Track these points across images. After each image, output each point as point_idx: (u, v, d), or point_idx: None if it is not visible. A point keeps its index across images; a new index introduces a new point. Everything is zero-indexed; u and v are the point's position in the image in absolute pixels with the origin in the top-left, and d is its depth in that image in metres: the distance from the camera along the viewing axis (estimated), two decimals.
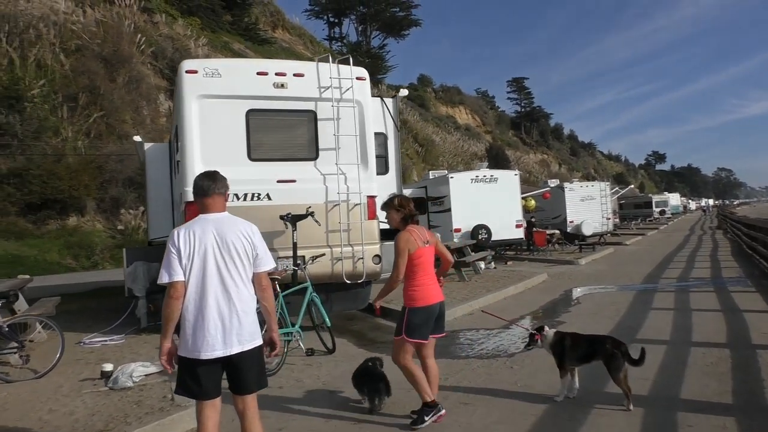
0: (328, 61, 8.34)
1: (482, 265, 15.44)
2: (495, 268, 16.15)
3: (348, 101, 8.33)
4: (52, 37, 27.09)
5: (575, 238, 23.77)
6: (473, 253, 15.07)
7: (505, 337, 7.68)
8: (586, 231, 24.37)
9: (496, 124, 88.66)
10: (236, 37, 47.07)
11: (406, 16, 70.41)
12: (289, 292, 6.92)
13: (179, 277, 3.22)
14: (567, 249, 22.46)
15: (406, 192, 19.69)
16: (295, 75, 8.19)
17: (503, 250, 20.61)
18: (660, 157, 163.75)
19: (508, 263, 18.49)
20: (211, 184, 3.44)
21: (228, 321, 3.21)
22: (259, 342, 3.35)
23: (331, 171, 8.20)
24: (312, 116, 8.28)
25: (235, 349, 3.21)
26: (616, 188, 35.89)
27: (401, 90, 9.88)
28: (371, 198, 8.44)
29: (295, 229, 7.70)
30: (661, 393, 5.05)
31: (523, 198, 20.26)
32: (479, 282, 12.94)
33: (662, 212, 54.08)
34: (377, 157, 9.40)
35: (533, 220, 23.03)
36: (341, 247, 8.08)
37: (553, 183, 26.88)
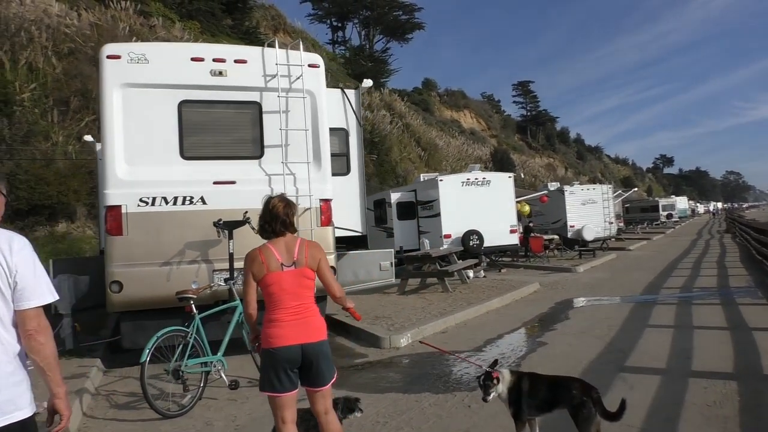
0: (275, 46, 7.34)
1: (470, 273, 14.37)
2: (484, 276, 15.07)
3: (298, 91, 7.32)
4: (45, 40, 26.39)
5: (575, 243, 22.64)
6: (460, 261, 14.00)
7: (475, 363, 6.58)
8: (588, 236, 23.23)
9: (501, 128, 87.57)
10: (236, 41, 46.13)
11: (409, 20, 69.57)
12: (209, 312, 5.90)
13: None
14: (566, 255, 21.35)
15: (394, 196, 18.74)
16: (236, 61, 7.18)
17: (497, 257, 19.50)
18: (668, 161, 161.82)
19: (502, 270, 17.42)
20: None
21: None
22: (24, 414, 2.25)
23: (278, 171, 7.20)
24: (256, 108, 7.27)
25: None
26: (619, 191, 34.57)
27: (365, 81, 8.84)
28: (325, 202, 7.42)
29: (231, 238, 6.68)
30: None
31: (517, 202, 19.16)
32: (464, 293, 11.87)
33: (669, 216, 52.71)
34: (337, 155, 8.43)
35: (531, 224, 21.96)
36: None
37: (553, 186, 25.74)
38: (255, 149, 7.27)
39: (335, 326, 9.07)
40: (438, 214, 17.07)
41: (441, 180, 17.28)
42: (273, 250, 3.42)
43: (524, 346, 7.34)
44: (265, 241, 3.55)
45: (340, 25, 69.89)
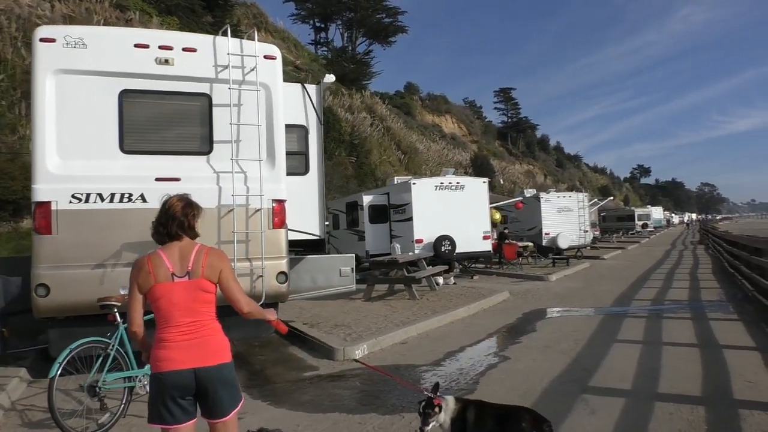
0: (228, 35, 6.85)
1: (440, 280, 13.98)
2: (454, 283, 14.68)
3: (251, 84, 6.84)
4: (14, 31, 25.53)
5: (550, 251, 22.42)
6: (429, 267, 13.60)
7: (430, 378, 6.17)
8: (562, 244, 23.07)
9: (482, 134, 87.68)
10: None
11: (392, 23, 69.29)
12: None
13: None
14: (540, 263, 21.08)
15: (366, 199, 18.28)
16: (184, 49, 6.67)
17: (470, 264, 19.14)
18: (645, 171, 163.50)
19: (474, 278, 17.06)
20: None
21: None
22: None
23: (227, 168, 6.69)
24: (205, 101, 6.77)
25: None
26: (595, 200, 34.54)
27: (327, 76, 8.39)
28: (278, 203, 6.94)
29: None
30: None
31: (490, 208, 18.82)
32: (431, 301, 11.45)
33: (645, 225, 53.04)
34: (295, 153, 7.96)
35: (506, 231, 21.69)
36: (234, 261, 6.55)
37: (529, 192, 25.55)
38: (203, 144, 6.77)
39: (291, 335, 8.60)
40: (410, 218, 16.67)
41: (414, 183, 16.89)
42: (164, 257, 2.95)
43: (485, 361, 6.92)
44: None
45: (323, 26, 69.24)
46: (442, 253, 16.18)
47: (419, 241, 16.43)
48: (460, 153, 66.76)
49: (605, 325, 8.99)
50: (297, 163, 7.94)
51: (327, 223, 23.33)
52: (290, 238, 7.57)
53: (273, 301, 7.00)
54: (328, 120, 39.82)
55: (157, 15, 38.54)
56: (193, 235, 3.06)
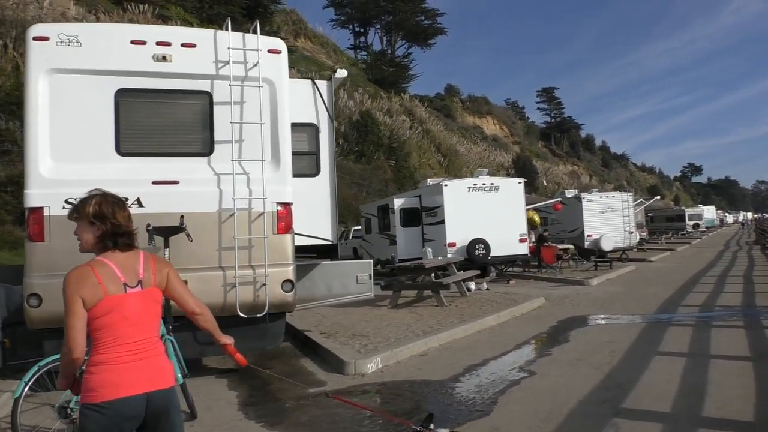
0: (229, 29, 6.49)
1: (472, 285, 13.35)
2: (487, 289, 14.01)
3: (254, 80, 6.43)
4: None
5: (592, 254, 21.42)
6: (460, 272, 12.98)
7: (443, 397, 5.61)
8: (606, 246, 21.99)
9: (524, 135, 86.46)
10: None
11: (431, 25, 69.06)
12: None
13: None
14: (581, 266, 20.13)
15: (398, 202, 17.79)
16: (183, 45, 6.32)
17: (506, 268, 18.39)
18: (696, 169, 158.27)
19: (511, 282, 16.34)
20: None
21: None
22: None
23: (229, 170, 6.31)
24: (206, 99, 6.40)
25: None
26: (641, 200, 33.05)
27: (338, 71, 7.93)
28: (284, 206, 6.51)
29: (167, 246, 5.82)
30: None
31: (526, 210, 18.04)
32: (460, 307, 10.86)
33: (696, 226, 50.78)
34: (305, 153, 7.54)
35: (546, 233, 20.82)
36: (236, 269, 6.16)
37: (570, 193, 24.56)
38: (203, 145, 6.40)
39: (303, 345, 8.19)
40: (442, 221, 16.12)
41: (446, 185, 16.31)
42: (111, 265, 2.48)
43: (508, 376, 6.30)
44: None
45: (362, 30, 69.57)
46: (476, 257, 15.57)
47: (452, 244, 15.85)
48: (502, 154, 65.75)
49: (646, 335, 8.24)
50: (307, 164, 7.51)
51: (359, 227, 23.00)
52: (302, 243, 7.18)
53: (278, 311, 6.60)
54: (366, 123, 39.65)
55: (198, 24, 39.23)
56: (130, 244, 2.62)
